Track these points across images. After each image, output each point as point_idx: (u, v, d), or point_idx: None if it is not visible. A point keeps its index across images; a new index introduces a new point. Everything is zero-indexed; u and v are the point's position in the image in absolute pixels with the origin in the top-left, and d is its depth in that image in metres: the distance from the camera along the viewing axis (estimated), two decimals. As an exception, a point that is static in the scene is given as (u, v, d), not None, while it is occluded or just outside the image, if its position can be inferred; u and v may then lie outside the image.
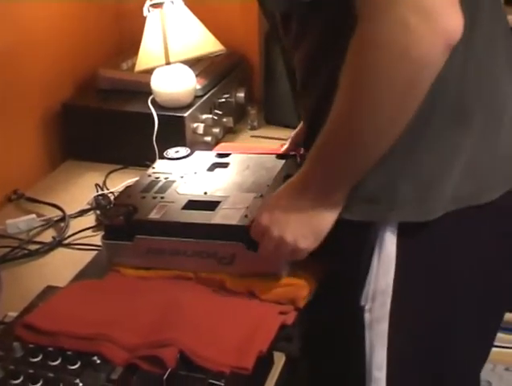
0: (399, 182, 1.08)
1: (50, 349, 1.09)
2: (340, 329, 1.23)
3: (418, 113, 0.98)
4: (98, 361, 1.06)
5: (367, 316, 1.14)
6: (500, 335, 1.38)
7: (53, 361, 1.08)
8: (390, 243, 1.10)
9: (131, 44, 1.95)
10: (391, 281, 1.12)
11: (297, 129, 1.55)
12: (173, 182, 1.44)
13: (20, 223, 1.58)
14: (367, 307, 1.14)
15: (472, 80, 1.07)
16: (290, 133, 1.58)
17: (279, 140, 1.80)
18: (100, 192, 1.70)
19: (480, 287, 1.18)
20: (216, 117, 1.88)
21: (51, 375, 1.05)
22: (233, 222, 1.26)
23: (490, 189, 1.11)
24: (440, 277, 1.14)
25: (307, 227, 1.12)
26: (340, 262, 1.19)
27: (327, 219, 1.11)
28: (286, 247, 1.14)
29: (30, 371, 1.06)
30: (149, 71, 1.80)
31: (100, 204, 1.64)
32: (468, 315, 1.19)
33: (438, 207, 1.08)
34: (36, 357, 1.09)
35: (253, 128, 2.03)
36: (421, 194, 1.08)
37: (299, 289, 1.23)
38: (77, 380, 1.03)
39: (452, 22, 0.90)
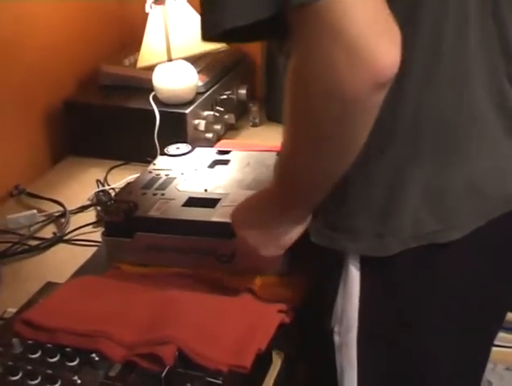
0: (357, 215, 1.04)
1: (49, 345, 1.09)
2: (313, 348, 1.22)
3: (364, 148, 0.91)
4: (97, 358, 1.06)
5: (336, 338, 1.11)
6: (500, 335, 1.36)
7: (52, 358, 1.08)
8: (354, 269, 1.06)
9: (133, 40, 1.95)
10: (356, 307, 1.08)
11: None
12: (174, 178, 1.44)
13: (21, 218, 1.58)
14: (336, 329, 1.10)
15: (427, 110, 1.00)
16: None
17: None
18: (101, 188, 1.70)
19: (453, 320, 1.11)
20: (217, 114, 1.88)
21: (49, 371, 1.05)
22: (233, 220, 1.26)
23: (454, 227, 1.03)
24: (405, 310, 1.08)
25: (267, 238, 1.12)
26: (315, 279, 1.19)
27: (288, 232, 1.11)
28: (249, 248, 1.14)
29: (29, 367, 1.06)
30: (151, 68, 1.80)
31: (101, 200, 1.64)
32: (442, 346, 1.12)
33: (396, 243, 1.02)
34: (35, 353, 1.09)
35: (254, 125, 2.03)
36: (377, 228, 1.03)
37: (298, 287, 1.23)
38: (76, 377, 1.03)
39: (385, 59, 0.80)
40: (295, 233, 1.11)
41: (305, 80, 0.85)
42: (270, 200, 1.11)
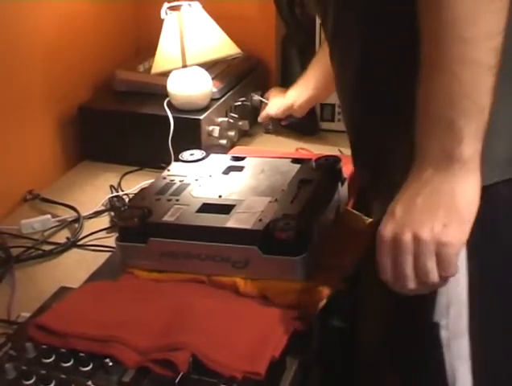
0: None
1: (62, 350, 1.09)
2: (408, 351, 1.11)
3: None
4: (110, 363, 1.06)
5: (443, 333, 1.02)
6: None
7: (65, 362, 1.08)
8: None
9: (148, 46, 1.96)
10: (465, 286, 0.98)
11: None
12: (188, 184, 1.43)
13: (35, 223, 1.58)
14: (443, 323, 1.01)
15: None
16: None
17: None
18: (114, 194, 1.70)
19: None
20: (231, 120, 1.88)
21: (63, 376, 1.04)
22: (248, 226, 1.25)
23: None
24: None
25: (442, 211, 0.90)
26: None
27: (463, 188, 0.89)
28: (428, 250, 0.92)
29: (43, 371, 1.06)
30: (165, 74, 1.80)
31: (114, 206, 1.64)
32: None
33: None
34: (49, 358, 1.09)
35: (267, 132, 2.02)
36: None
37: (314, 294, 1.22)
38: (89, 382, 1.03)
39: None
40: (469, 187, 0.90)
41: None
42: (420, 168, 0.93)
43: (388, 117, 1.11)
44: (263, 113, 1.91)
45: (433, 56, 0.91)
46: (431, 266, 0.92)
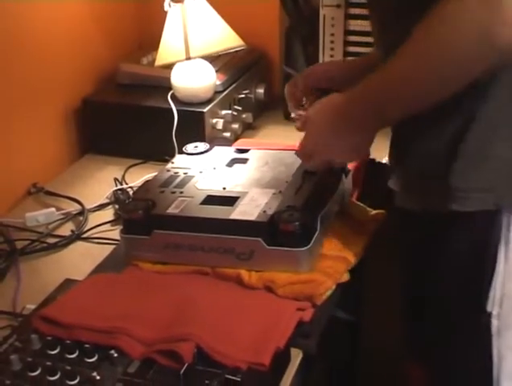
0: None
1: (67, 342, 1.09)
2: (457, 335, 1.15)
3: None
4: (115, 354, 1.06)
5: (494, 322, 1.06)
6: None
7: (70, 354, 1.08)
8: None
9: (152, 39, 1.95)
10: None
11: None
12: (192, 177, 1.44)
13: (39, 216, 1.58)
14: (494, 313, 1.06)
15: None
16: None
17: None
18: (119, 187, 1.70)
19: None
20: (235, 113, 1.87)
21: (68, 367, 1.05)
22: (252, 218, 1.26)
23: None
24: None
25: (341, 142, 1.19)
26: (458, 263, 1.12)
27: (361, 142, 1.19)
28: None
29: (48, 363, 1.06)
30: (169, 66, 1.80)
31: (118, 199, 1.64)
32: None
33: None
34: (54, 349, 1.09)
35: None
36: None
37: (318, 285, 1.22)
38: (94, 373, 1.03)
39: None
40: (363, 147, 1.20)
41: (458, 22, 0.94)
42: (355, 98, 1.14)
43: None
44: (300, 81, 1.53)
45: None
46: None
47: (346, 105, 1.17)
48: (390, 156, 1.29)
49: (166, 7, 1.75)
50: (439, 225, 1.12)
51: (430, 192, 1.14)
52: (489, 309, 1.06)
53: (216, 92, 1.85)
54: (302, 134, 1.31)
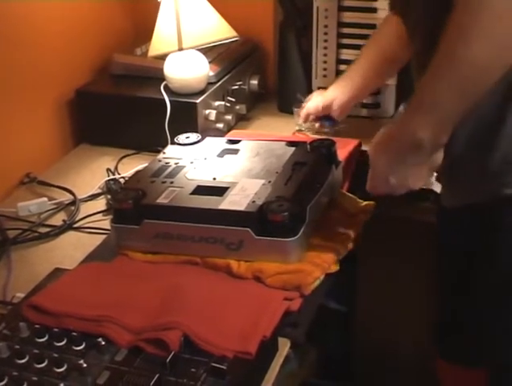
0: None
1: (56, 330, 1.10)
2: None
3: None
4: (103, 343, 1.07)
5: None
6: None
7: (58, 342, 1.09)
8: None
9: (145, 30, 1.95)
10: None
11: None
12: (183, 167, 1.44)
13: (31, 206, 1.59)
14: None
15: None
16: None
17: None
18: (111, 177, 1.71)
19: None
20: (228, 104, 1.87)
21: (56, 355, 1.06)
22: (241, 208, 1.26)
23: None
24: None
25: (399, 167, 1.22)
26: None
27: (418, 168, 1.21)
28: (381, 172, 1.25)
29: (36, 351, 1.07)
30: (162, 57, 1.80)
31: (111, 189, 1.64)
32: None
33: None
34: (42, 337, 1.10)
35: (300, 130, 1.86)
36: None
37: (306, 275, 1.23)
38: (82, 361, 1.03)
39: None
40: (422, 173, 1.23)
41: (474, 37, 1.00)
42: (402, 131, 1.19)
43: None
44: (303, 110, 1.79)
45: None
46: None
47: (397, 137, 1.21)
48: None
49: (159, -2, 1.75)
50: (489, 216, 1.22)
51: (479, 178, 1.23)
52: None
53: (210, 84, 1.85)
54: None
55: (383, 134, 1.25)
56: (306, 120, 1.78)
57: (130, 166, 1.74)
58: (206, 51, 1.86)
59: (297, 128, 1.87)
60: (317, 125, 1.79)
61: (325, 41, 1.92)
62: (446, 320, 1.45)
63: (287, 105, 1.97)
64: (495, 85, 1.06)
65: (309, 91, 1.97)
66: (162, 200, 1.32)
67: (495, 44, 1.01)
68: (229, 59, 1.97)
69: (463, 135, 1.21)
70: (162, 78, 1.82)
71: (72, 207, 1.60)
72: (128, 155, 1.83)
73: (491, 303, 1.32)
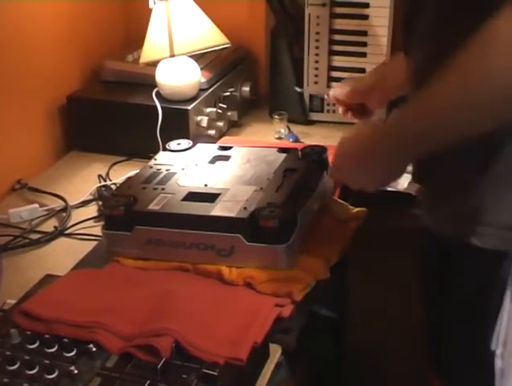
0: None
1: (46, 336, 1.10)
2: (463, 365, 1.15)
3: None
4: (94, 349, 1.07)
5: (498, 362, 1.05)
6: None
7: (49, 348, 1.09)
8: None
9: (137, 36, 1.96)
10: None
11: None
12: (174, 173, 1.44)
13: (23, 212, 1.59)
14: (498, 352, 1.05)
15: None
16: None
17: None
18: (102, 183, 1.71)
19: None
20: (220, 111, 1.88)
21: (46, 361, 1.06)
22: (233, 214, 1.26)
23: None
24: None
25: (365, 170, 1.14)
26: (467, 296, 1.12)
27: (386, 174, 1.14)
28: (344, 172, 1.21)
29: (27, 357, 1.07)
30: (154, 64, 1.80)
31: (102, 195, 1.64)
32: None
33: None
34: (33, 344, 1.10)
35: (280, 138, 1.91)
36: None
37: (297, 282, 1.23)
38: (73, 367, 1.04)
39: None
40: (389, 178, 1.15)
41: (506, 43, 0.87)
42: (386, 135, 1.10)
43: None
44: (331, 93, 1.57)
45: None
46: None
47: (375, 142, 1.13)
48: (415, 175, 1.27)
49: (151, 4, 1.76)
50: (454, 253, 1.13)
51: (452, 219, 1.13)
52: (492, 347, 1.06)
53: (201, 90, 1.85)
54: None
55: (361, 127, 1.21)
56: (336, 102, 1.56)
57: (122, 173, 1.74)
58: (198, 57, 1.86)
59: (276, 136, 1.91)
60: (349, 114, 1.55)
61: (317, 48, 1.93)
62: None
63: (279, 112, 1.97)
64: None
65: (301, 98, 1.98)
66: (153, 207, 1.32)
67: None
68: (221, 66, 1.97)
69: (447, 171, 1.14)
70: (153, 85, 1.82)
71: (64, 214, 1.60)
72: (119, 162, 1.83)
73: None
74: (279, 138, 1.89)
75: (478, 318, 1.10)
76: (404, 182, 1.71)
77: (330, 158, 1.49)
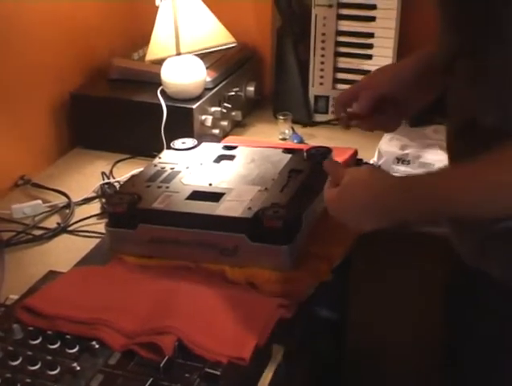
0: None
1: (49, 332, 1.10)
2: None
3: None
4: (97, 346, 1.07)
5: None
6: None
7: (52, 344, 1.09)
8: None
9: (143, 34, 1.95)
10: None
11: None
12: (179, 172, 1.44)
13: (26, 208, 1.58)
14: None
15: None
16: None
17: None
18: (106, 181, 1.70)
19: None
20: (225, 110, 1.88)
21: (49, 357, 1.06)
22: (237, 214, 1.26)
23: None
24: None
25: (374, 210, 1.06)
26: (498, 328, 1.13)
27: (391, 218, 1.07)
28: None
29: (29, 353, 1.07)
30: (160, 62, 1.80)
31: (105, 193, 1.64)
32: None
33: None
34: (35, 340, 1.10)
35: (284, 138, 1.90)
36: None
37: (300, 283, 1.23)
38: (75, 364, 1.04)
39: None
40: (394, 226, 1.07)
41: None
42: (407, 191, 1.04)
43: None
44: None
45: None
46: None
47: (387, 193, 1.06)
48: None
49: (157, 2, 1.75)
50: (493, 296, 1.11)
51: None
52: None
53: (206, 89, 1.85)
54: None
55: (374, 174, 1.11)
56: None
57: (125, 171, 1.73)
58: (203, 56, 1.86)
59: (280, 136, 1.90)
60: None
61: (323, 49, 1.93)
62: None
63: (283, 111, 1.97)
64: None
65: (306, 99, 1.98)
66: (157, 205, 1.32)
67: None
68: (227, 65, 1.97)
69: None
70: (159, 83, 1.82)
71: (67, 210, 1.59)
72: (123, 159, 1.82)
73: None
74: (283, 139, 1.89)
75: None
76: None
77: (335, 160, 1.50)
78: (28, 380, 1.01)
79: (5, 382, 1.01)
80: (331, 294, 1.40)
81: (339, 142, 1.75)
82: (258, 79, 2.11)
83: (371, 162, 1.74)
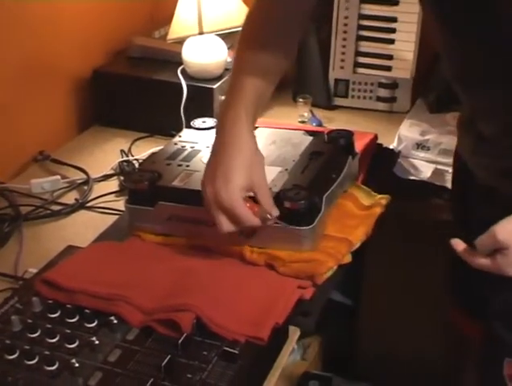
0: None
1: (68, 306, 1.10)
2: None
3: None
4: (115, 321, 1.07)
5: None
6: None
7: (71, 318, 1.09)
8: None
9: (165, 13, 1.95)
10: None
11: None
12: (199, 151, 1.43)
13: (44, 183, 1.58)
14: None
15: None
16: None
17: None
18: (124, 158, 1.70)
19: None
20: (244, 91, 1.86)
21: (68, 331, 1.06)
22: (257, 194, 1.25)
23: None
24: None
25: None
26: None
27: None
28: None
29: (48, 325, 1.07)
30: (181, 41, 1.79)
31: (124, 170, 1.64)
32: None
33: None
34: (54, 313, 1.10)
35: (303, 121, 1.89)
36: None
37: (319, 265, 1.22)
38: (93, 338, 1.04)
39: None
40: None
41: None
42: None
43: None
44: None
45: None
46: None
47: None
48: None
49: (180, -19, 1.74)
50: None
51: None
52: None
53: (227, 69, 1.84)
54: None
55: None
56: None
57: (144, 149, 1.73)
58: (225, 36, 1.85)
59: (299, 119, 1.89)
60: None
61: (344, 32, 1.92)
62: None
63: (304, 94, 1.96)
64: None
65: (326, 82, 1.97)
66: (177, 183, 1.31)
67: None
68: (247, 46, 1.95)
69: None
70: (179, 62, 1.81)
71: (85, 187, 1.60)
72: (142, 138, 1.82)
73: None
74: (302, 122, 1.88)
75: None
76: (427, 171, 1.70)
77: (356, 144, 1.49)
78: (47, 353, 1.01)
79: (23, 353, 1.01)
80: (345, 280, 1.39)
81: (358, 127, 1.74)
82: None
83: (391, 147, 1.73)
